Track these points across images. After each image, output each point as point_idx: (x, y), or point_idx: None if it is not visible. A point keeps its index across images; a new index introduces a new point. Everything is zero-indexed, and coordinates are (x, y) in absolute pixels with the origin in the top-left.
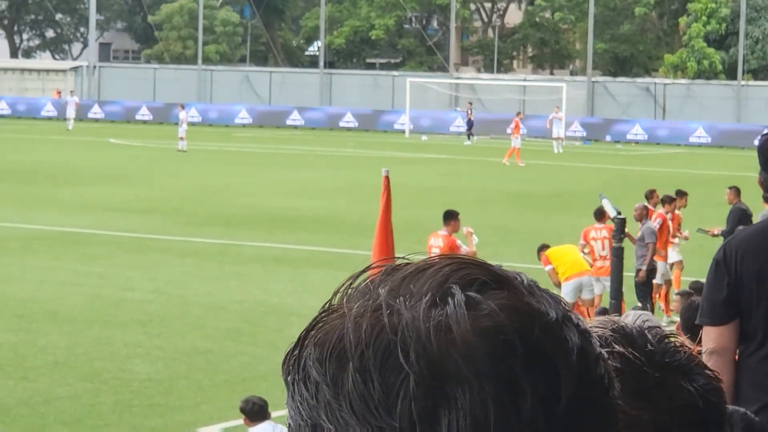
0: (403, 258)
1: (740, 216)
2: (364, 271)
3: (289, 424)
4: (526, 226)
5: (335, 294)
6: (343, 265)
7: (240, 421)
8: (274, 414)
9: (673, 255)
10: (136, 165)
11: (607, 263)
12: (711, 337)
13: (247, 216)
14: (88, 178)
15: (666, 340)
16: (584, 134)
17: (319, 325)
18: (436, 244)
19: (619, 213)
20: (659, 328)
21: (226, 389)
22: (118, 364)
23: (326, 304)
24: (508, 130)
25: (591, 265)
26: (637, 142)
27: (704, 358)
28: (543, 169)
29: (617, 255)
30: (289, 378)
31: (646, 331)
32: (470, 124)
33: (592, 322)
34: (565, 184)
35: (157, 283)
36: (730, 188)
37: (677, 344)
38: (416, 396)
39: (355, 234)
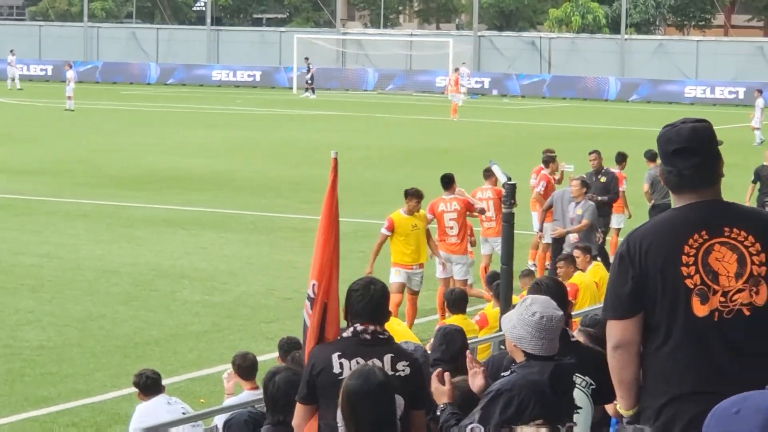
0: None
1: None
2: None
3: None
4: (418, 183)
5: None
6: (233, 226)
7: (131, 389)
8: (167, 381)
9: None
10: (23, 125)
11: (494, 224)
12: (615, 331)
13: (137, 176)
14: None
15: None
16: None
17: None
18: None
19: (509, 179)
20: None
21: (119, 355)
22: (9, 332)
23: None
24: (446, 86)
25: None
26: (523, 96)
27: (609, 354)
28: (433, 125)
29: (508, 221)
30: None
31: None
32: (312, 78)
33: None
34: (454, 140)
35: (47, 246)
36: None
37: None
38: None
39: (246, 193)
